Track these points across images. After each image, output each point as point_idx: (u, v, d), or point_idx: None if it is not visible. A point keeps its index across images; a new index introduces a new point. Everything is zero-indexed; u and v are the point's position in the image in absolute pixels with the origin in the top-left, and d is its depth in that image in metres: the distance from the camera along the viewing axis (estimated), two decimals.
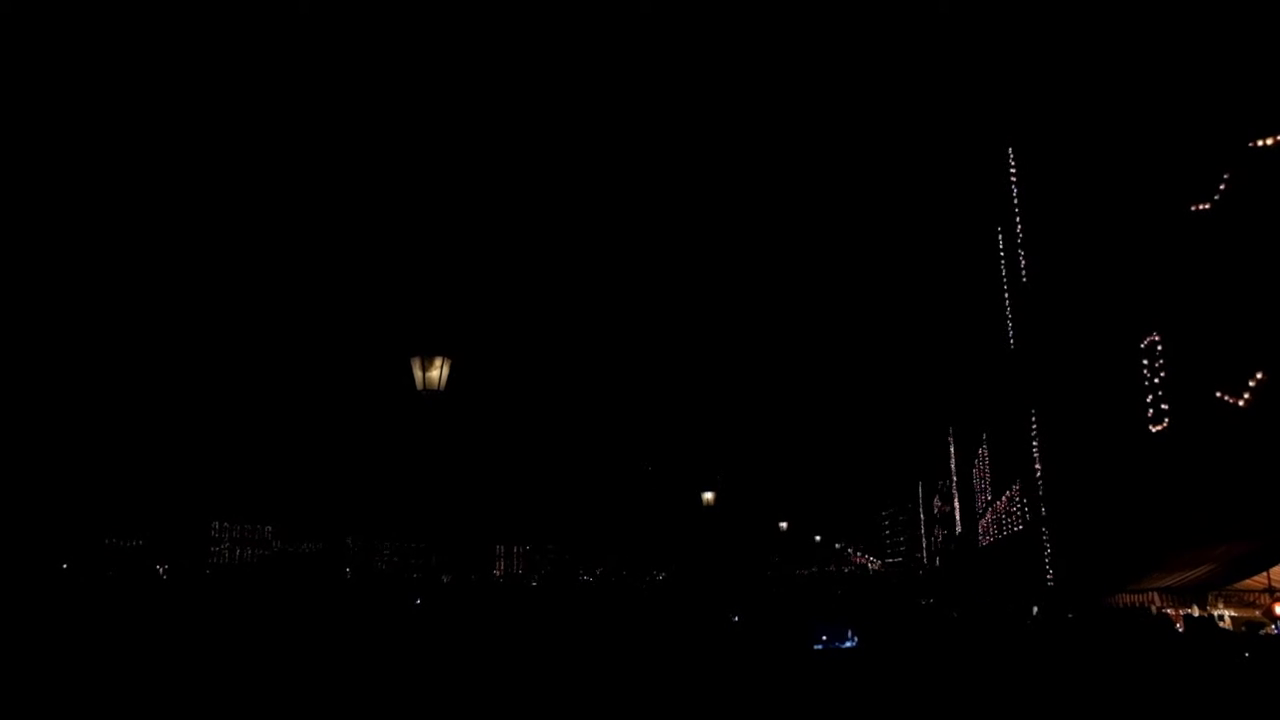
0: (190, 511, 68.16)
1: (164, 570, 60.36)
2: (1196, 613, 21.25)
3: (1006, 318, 43.61)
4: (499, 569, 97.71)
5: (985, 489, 67.89)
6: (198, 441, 64.43)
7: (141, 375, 63.66)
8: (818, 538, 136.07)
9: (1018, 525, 46.55)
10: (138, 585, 49.54)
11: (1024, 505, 43.48)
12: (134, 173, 59.39)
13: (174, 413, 64.02)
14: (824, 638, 16.81)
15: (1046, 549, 37.33)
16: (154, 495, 65.72)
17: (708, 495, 40.33)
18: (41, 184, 53.05)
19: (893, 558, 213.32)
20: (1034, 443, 38.55)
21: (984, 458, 67.37)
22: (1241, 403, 22.17)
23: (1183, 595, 21.07)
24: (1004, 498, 53.06)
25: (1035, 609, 27.87)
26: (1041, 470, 38.21)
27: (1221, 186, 22.97)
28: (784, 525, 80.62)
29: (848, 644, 16.78)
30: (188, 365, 66.09)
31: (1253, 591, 20.43)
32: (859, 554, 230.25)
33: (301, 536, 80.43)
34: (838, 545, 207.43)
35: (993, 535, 61.12)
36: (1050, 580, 36.37)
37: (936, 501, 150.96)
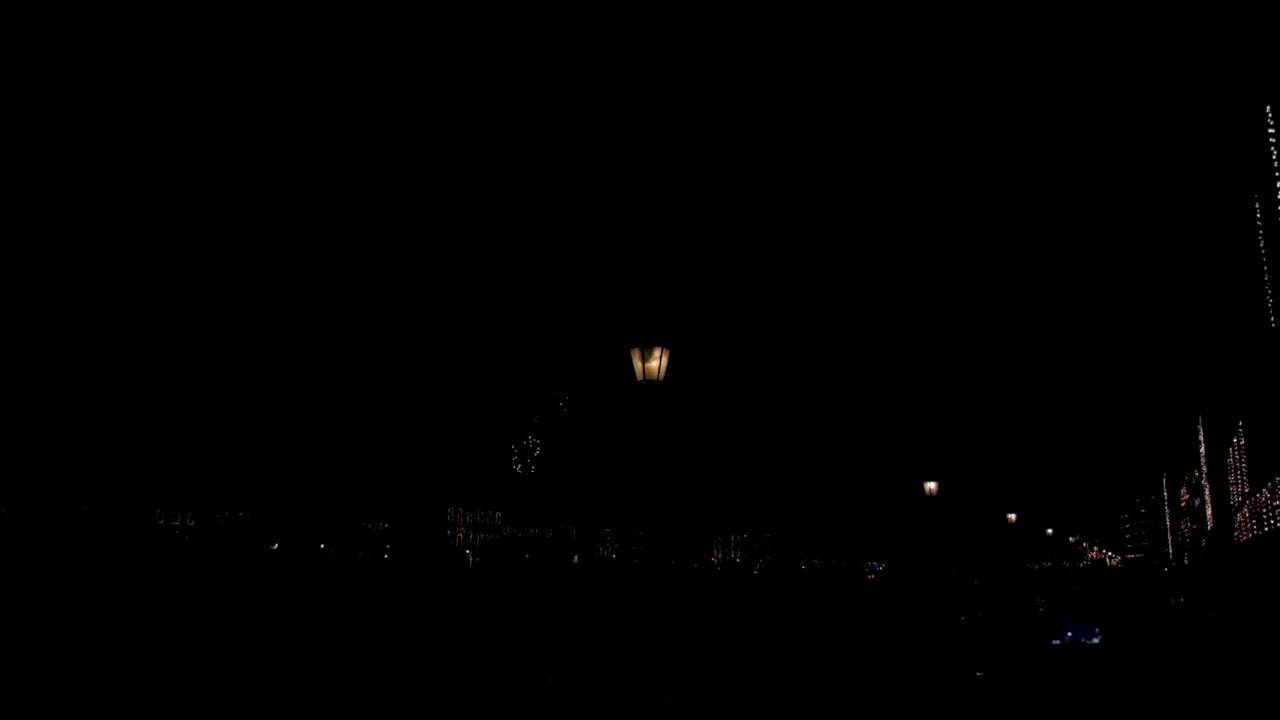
0: (427, 498, 72.39)
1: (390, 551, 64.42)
2: None
3: (1266, 293, 39.80)
4: (717, 556, 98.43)
5: (1241, 481, 62.39)
6: (433, 438, 67.93)
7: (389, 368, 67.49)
8: (1049, 531, 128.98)
9: None
10: (387, 564, 53.27)
11: None
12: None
13: (415, 408, 67.64)
14: (1068, 634, 15.94)
15: None
16: (397, 484, 69.95)
17: (930, 485, 39.09)
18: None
19: (1133, 553, 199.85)
20: None
21: (1240, 446, 61.91)
22: None
23: None
24: (1265, 489, 48.52)
25: None
26: None
27: None
28: (1012, 517, 77.04)
29: (1094, 640, 15.84)
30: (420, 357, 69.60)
31: None
32: (1095, 549, 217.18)
33: (528, 522, 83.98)
34: (1071, 539, 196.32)
35: (1252, 530, 56.05)
36: None
37: (1183, 494, 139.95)
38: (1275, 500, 44.00)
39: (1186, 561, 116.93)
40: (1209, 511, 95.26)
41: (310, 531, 63.31)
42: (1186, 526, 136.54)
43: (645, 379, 16.48)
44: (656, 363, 16.49)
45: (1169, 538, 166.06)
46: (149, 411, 58.16)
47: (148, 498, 59.78)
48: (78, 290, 56.81)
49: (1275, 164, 35.74)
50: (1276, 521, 44.06)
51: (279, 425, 64.14)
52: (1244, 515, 61.60)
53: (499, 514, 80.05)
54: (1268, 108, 36.35)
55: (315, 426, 65.42)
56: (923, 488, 39.01)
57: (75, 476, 51.63)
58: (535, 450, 68.91)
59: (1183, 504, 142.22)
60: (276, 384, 65.25)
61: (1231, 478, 70.10)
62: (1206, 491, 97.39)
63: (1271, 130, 36.07)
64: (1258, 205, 40.07)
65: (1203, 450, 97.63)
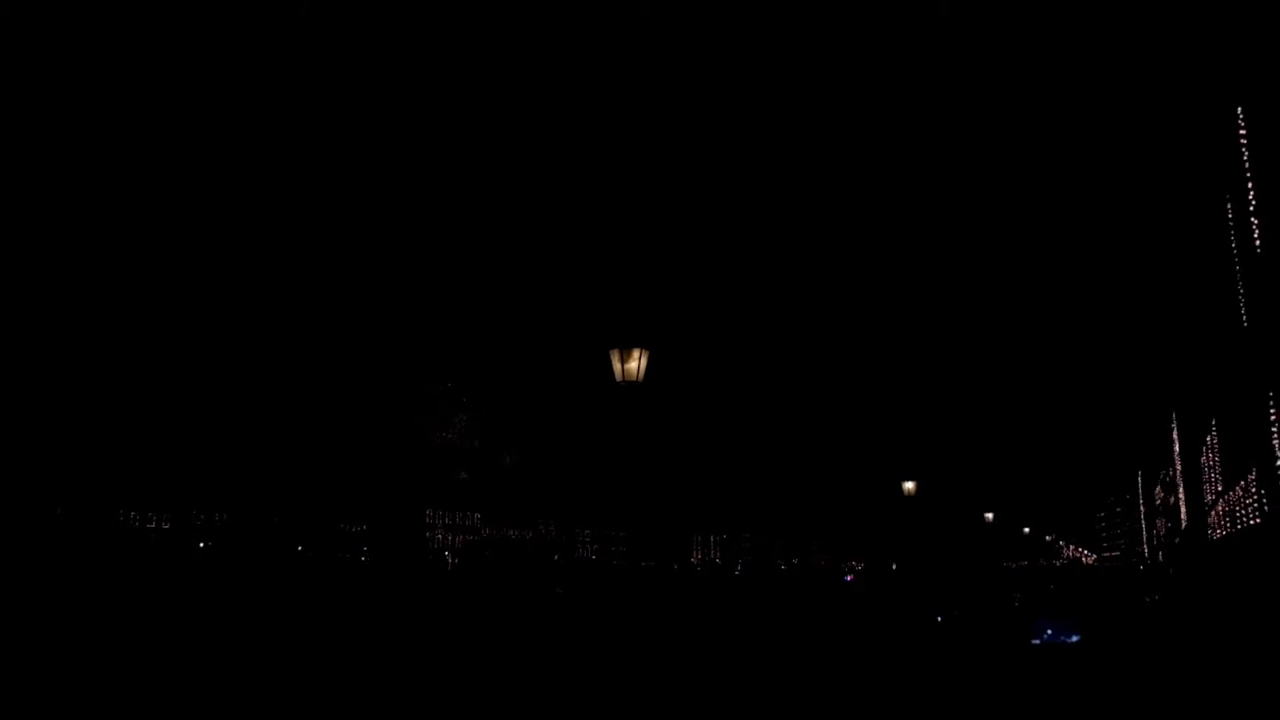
0: (406, 500, 72.12)
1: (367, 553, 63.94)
2: None
3: (1238, 291, 40.17)
4: (696, 557, 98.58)
5: (1215, 478, 62.99)
6: (413, 439, 67.52)
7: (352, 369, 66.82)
8: (1026, 529, 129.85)
9: (1254, 518, 42.92)
10: (360, 566, 53.00)
11: (1261, 496, 40.03)
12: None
13: (392, 410, 67.14)
14: (1048, 632, 16.05)
15: None
16: (376, 486, 69.65)
17: (908, 485, 39.28)
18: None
19: (1109, 551, 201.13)
20: (1273, 427, 35.39)
21: (1213, 444, 62.53)
22: None
23: None
24: (1238, 488, 49.01)
25: None
26: None
27: None
28: (989, 516, 77.46)
29: (1073, 638, 15.95)
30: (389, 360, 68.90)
31: None
32: (1072, 547, 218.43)
33: (507, 523, 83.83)
34: (1048, 538, 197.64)
35: (1225, 528, 56.61)
36: None
37: (1158, 492, 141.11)
38: (1248, 498, 44.44)
39: (1161, 559, 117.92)
40: (1183, 510, 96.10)
41: (288, 533, 62.86)
42: (1161, 524, 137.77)
43: (624, 380, 16.48)
44: (635, 364, 16.49)
45: (1144, 536, 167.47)
46: (127, 415, 57.74)
47: (124, 500, 59.26)
48: (52, 296, 56.34)
49: (1247, 165, 36.11)
50: (1249, 519, 44.50)
51: (257, 428, 63.78)
52: (1217, 513, 62.22)
53: (478, 515, 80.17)
54: (1239, 109, 36.71)
55: (293, 429, 65.09)
56: (901, 487, 39.23)
57: (51, 479, 51.12)
58: (514, 451, 68.77)
59: (1157, 502, 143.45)
60: (255, 387, 64.88)
61: (1205, 476, 70.76)
62: (1180, 490, 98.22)
63: (1243, 131, 36.43)
64: (1229, 205, 40.48)
65: (1177, 449, 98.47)
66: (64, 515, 50.85)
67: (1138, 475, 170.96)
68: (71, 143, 57.68)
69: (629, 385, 16.47)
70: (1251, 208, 36.16)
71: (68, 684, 11.91)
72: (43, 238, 55.86)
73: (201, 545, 57.24)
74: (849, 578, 52.77)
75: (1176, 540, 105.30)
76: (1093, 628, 16.83)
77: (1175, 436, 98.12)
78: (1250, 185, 36.00)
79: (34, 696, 11.14)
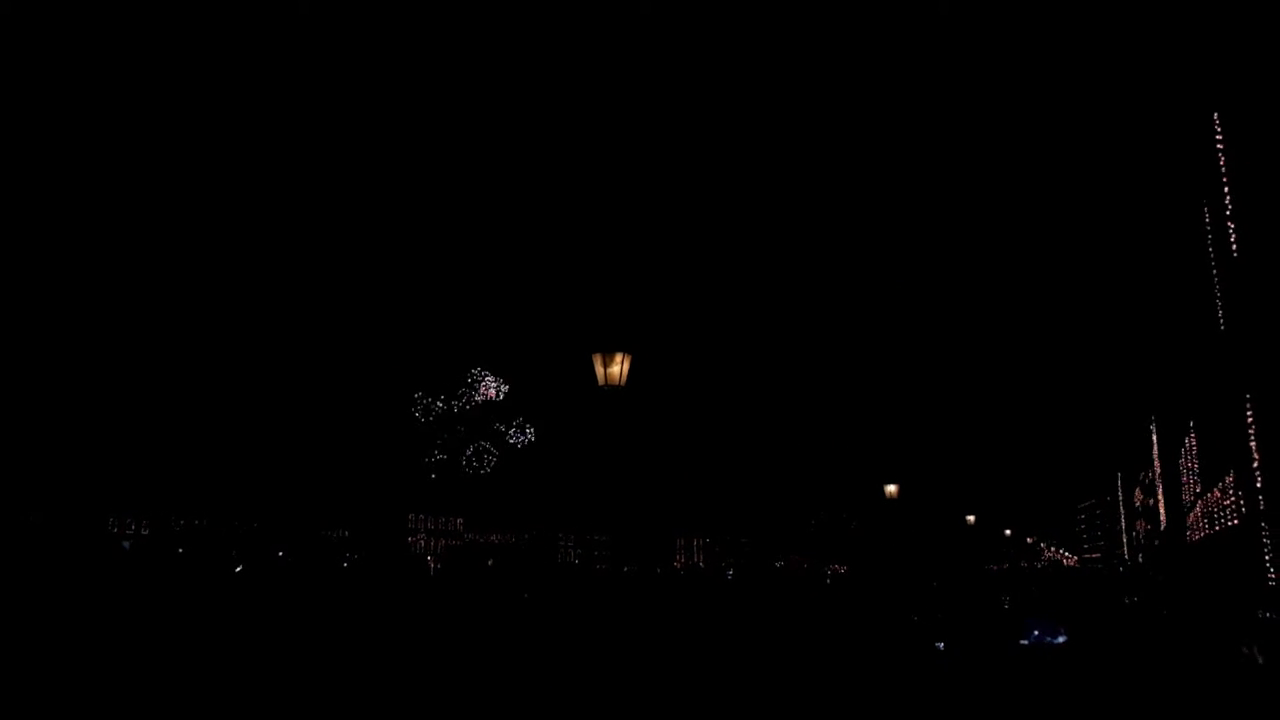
0: (387, 505, 71.84)
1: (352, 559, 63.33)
2: None
3: (1215, 296, 40.56)
4: (679, 561, 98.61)
5: (1193, 480, 63.54)
6: (394, 445, 67.16)
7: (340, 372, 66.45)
8: (1008, 532, 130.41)
9: (1232, 520, 43.30)
10: (343, 572, 52.77)
11: (1239, 498, 40.39)
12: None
13: (373, 417, 66.80)
14: (1035, 633, 16.22)
15: (1266, 546, 34.54)
16: (357, 491, 69.34)
17: (890, 488, 39.39)
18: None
19: (1090, 553, 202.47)
20: (1250, 430, 35.73)
21: (1191, 447, 63.08)
22: None
23: None
24: (1216, 490, 49.44)
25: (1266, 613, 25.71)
26: (1260, 460, 35.39)
27: None
28: (971, 519, 77.77)
29: (1060, 639, 16.13)
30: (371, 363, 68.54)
31: None
32: (1052, 549, 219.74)
33: (490, 528, 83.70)
34: (1029, 540, 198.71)
35: (1203, 530, 57.08)
36: (1272, 579, 33.63)
37: (1138, 494, 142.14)
38: (1226, 500, 44.84)
39: (1141, 560, 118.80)
40: (1162, 511, 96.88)
41: (268, 539, 62.43)
42: (1141, 526, 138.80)
43: (607, 384, 16.47)
44: (618, 368, 16.48)
45: (1124, 538, 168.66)
46: (105, 420, 57.17)
47: (103, 506, 58.66)
48: (29, 298, 55.77)
49: (1223, 170, 36.48)
50: (1228, 521, 44.91)
51: (237, 433, 63.30)
52: (1196, 515, 62.73)
53: (460, 520, 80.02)
54: (1215, 114, 37.09)
55: (274, 433, 64.64)
56: (883, 491, 39.32)
57: (27, 486, 50.58)
58: (496, 455, 68.43)
59: (1137, 504, 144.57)
60: (235, 392, 64.41)
61: (1184, 478, 71.35)
62: (1160, 491, 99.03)
63: (1220, 137, 36.80)
64: (1206, 210, 40.88)
65: (1156, 451, 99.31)
66: (41, 522, 50.31)
67: (1117, 477, 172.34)
68: (51, 146, 57.17)
69: (611, 389, 16.48)
70: (1228, 213, 36.53)
71: (47, 691, 11.80)
72: (23, 241, 55.34)
73: (181, 551, 56.79)
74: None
75: (1156, 542, 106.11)
76: (1079, 629, 17.01)
77: (1154, 439, 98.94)
78: (1227, 190, 36.37)
79: (14, 703, 11.04)
